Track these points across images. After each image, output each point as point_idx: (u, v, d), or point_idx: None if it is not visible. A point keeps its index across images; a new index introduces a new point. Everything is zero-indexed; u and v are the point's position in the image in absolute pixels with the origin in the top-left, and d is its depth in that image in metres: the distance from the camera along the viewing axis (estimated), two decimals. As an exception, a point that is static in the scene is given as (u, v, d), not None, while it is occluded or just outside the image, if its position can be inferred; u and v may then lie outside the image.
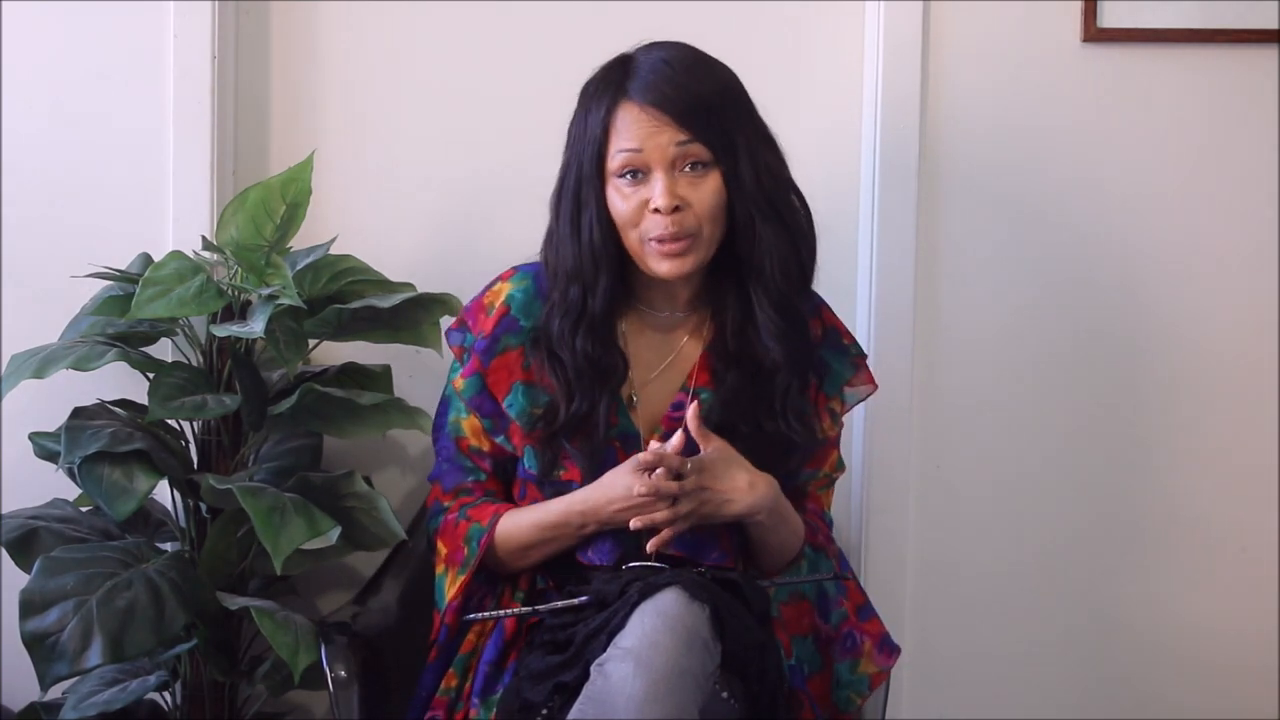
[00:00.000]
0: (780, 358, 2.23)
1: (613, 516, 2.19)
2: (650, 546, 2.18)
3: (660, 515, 2.16)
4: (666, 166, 2.18)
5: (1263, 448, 2.79)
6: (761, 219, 2.21)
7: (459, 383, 2.30)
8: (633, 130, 2.18)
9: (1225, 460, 2.79)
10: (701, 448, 2.18)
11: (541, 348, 2.25)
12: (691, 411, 2.18)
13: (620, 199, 2.20)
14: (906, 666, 2.73)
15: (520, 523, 2.25)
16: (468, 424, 2.31)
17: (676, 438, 2.18)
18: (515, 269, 2.33)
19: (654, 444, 2.19)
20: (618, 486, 2.18)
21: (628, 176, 2.19)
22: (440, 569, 2.29)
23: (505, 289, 2.30)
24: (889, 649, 2.30)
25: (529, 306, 2.28)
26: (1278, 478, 2.79)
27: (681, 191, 2.18)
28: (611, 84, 2.21)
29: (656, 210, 2.17)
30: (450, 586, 2.26)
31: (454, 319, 2.36)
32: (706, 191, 2.19)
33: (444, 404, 2.35)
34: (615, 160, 2.19)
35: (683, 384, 2.28)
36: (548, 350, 2.24)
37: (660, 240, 2.18)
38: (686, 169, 2.19)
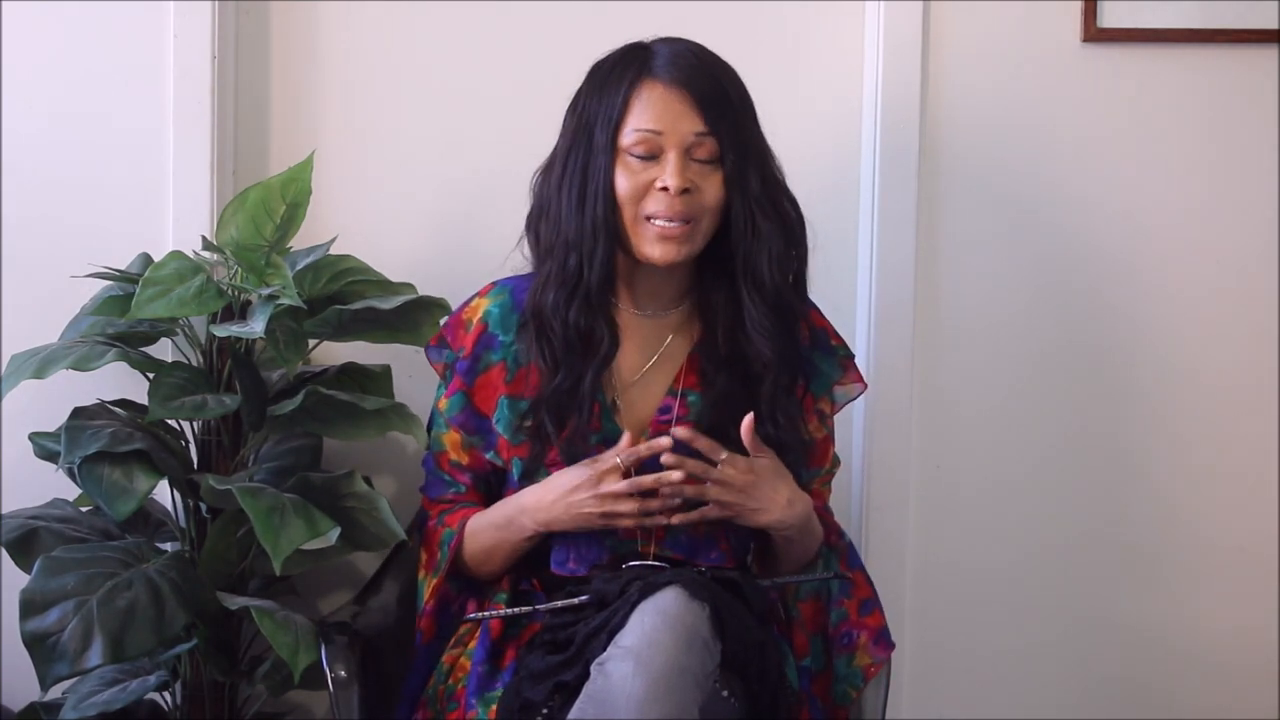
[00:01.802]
0: (771, 357, 2.23)
1: (551, 510, 2.19)
2: (679, 520, 2.18)
3: (702, 513, 2.18)
4: (681, 150, 2.18)
5: (1263, 448, 2.79)
6: (762, 216, 2.21)
7: (442, 402, 2.31)
8: (656, 109, 2.18)
9: (1226, 460, 2.79)
10: (753, 455, 2.19)
11: (530, 329, 2.24)
12: (746, 425, 2.17)
13: (627, 175, 2.20)
14: (906, 666, 2.73)
15: (481, 524, 2.26)
16: (448, 439, 2.32)
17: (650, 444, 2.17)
18: (493, 284, 2.33)
19: (623, 440, 2.18)
20: (562, 479, 2.18)
21: (639, 154, 2.19)
22: (420, 575, 2.31)
23: (482, 305, 2.31)
24: (885, 642, 2.29)
25: (506, 320, 2.28)
26: (1277, 478, 2.79)
27: (691, 177, 2.19)
28: (633, 63, 2.21)
29: (664, 189, 2.18)
30: (426, 590, 2.28)
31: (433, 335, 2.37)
32: (714, 185, 2.20)
33: (431, 419, 2.36)
34: (630, 137, 2.19)
35: (670, 386, 2.28)
36: (537, 330, 2.24)
37: (661, 218, 2.18)
38: (699, 160, 2.19)
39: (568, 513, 2.19)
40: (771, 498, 2.20)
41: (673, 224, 2.19)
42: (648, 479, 2.15)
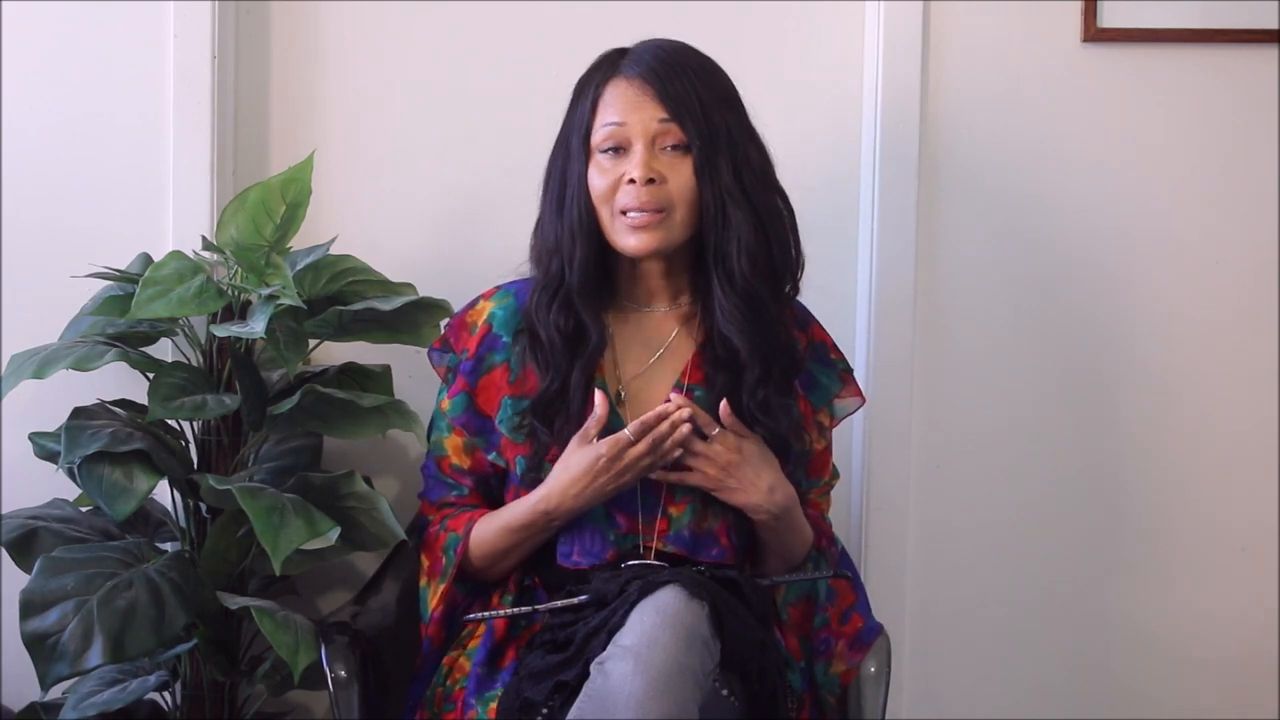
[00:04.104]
0: (744, 349, 2.23)
1: (577, 500, 2.20)
2: (658, 476, 2.20)
3: (681, 476, 2.20)
4: (647, 141, 2.20)
5: (1263, 448, 2.79)
6: (733, 205, 2.22)
7: (445, 404, 2.32)
8: (618, 104, 2.22)
9: (1226, 460, 2.79)
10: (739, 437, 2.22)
11: (526, 336, 2.26)
12: (724, 408, 2.20)
13: (599, 174, 2.22)
14: (906, 666, 2.73)
15: (491, 527, 2.26)
16: (449, 443, 2.32)
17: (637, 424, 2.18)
18: (497, 287, 2.34)
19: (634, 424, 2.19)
20: (574, 467, 2.19)
21: (610, 152, 2.22)
22: (423, 581, 2.31)
23: (487, 308, 2.32)
24: (861, 644, 2.29)
25: (510, 323, 2.29)
26: (1278, 477, 2.79)
27: (659, 167, 2.20)
28: (603, 66, 2.26)
29: (632, 181, 2.19)
30: (432, 597, 2.28)
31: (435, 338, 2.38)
32: (684, 173, 2.21)
33: (432, 422, 2.37)
34: (599, 135, 2.22)
35: (676, 380, 2.29)
36: (530, 336, 2.25)
37: (631, 210, 2.20)
38: (667, 148, 2.21)
39: (597, 497, 2.20)
40: (753, 481, 2.22)
41: (644, 214, 2.20)
42: (661, 425, 2.16)
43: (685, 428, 2.17)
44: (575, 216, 2.23)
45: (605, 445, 2.17)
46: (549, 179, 2.28)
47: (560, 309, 2.24)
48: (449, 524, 2.31)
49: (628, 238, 2.22)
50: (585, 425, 2.19)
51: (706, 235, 2.23)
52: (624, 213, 2.21)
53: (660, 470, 2.21)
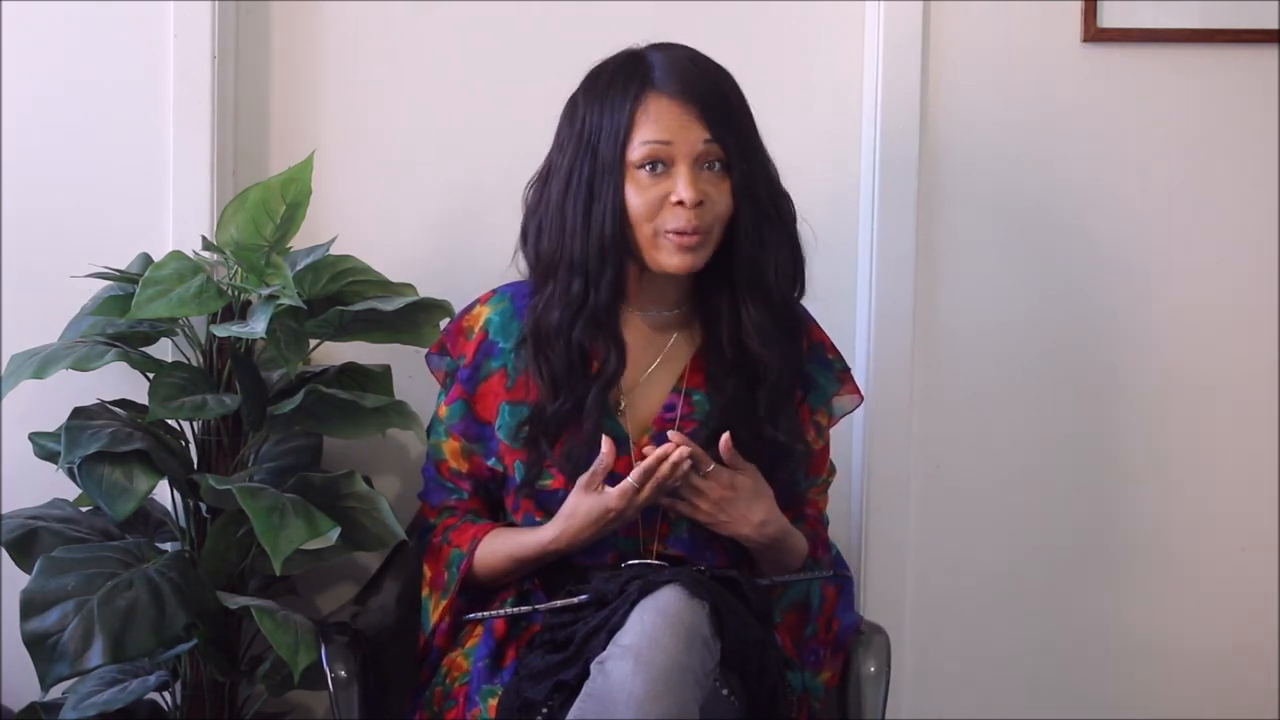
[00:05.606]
0: (772, 361, 2.23)
1: (585, 543, 2.21)
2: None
3: (673, 503, 2.21)
4: (691, 161, 2.18)
5: (1263, 448, 2.79)
6: (768, 225, 2.21)
7: (442, 410, 2.31)
8: (664, 121, 2.17)
9: (1225, 461, 2.79)
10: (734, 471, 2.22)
11: (529, 346, 2.24)
12: (724, 442, 2.19)
13: (638, 191, 2.18)
14: (907, 666, 2.73)
15: (496, 551, 2.26)
16: (447, 447, 2.32)
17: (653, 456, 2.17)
18: (493, 291, 2.33)
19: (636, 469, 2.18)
20: (582, 516, 2.19)
21: (648, 169, 2.18)
22: (425, 592, 2.31)
23: (483, 313, 2.31)
24: (839, 645, 2.30)
25: (506, 328, 2.28)
26: (1277, 480, 2.79)
27: (704, 187, 2.18)
28: (634, 76, 2.20)
29: (679, 203, 2.17)
30: (434, 610, 2.28)
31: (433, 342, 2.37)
32: (723, 193, 2.20)
33: (430, 426, 2.37)
34: (639, 151, 2.17)
35: (675, 385, 2.28)
36: (536, 348, 2.23)
37: (679, 233, 2.17)
38: (705, 168, 2.19)
39: (604, 534, 2.21)
40: (744, 516, 2.22)
41: (693, 237, 2.18)
42: (662, 468, 2.15)
43: (685, 465, 2.16)
44: (608, 234, 2.18)
45: (614, 499, 2.16)
46: (569, 183, 2.21)
47: (586, 329, 2.20)
48: (452, 537, 2.30)
49: (671, 258, 2.19)
50: (592, 471, 2.17)
51: (740, 255, 2.21)
52: (667, 233, 2.18)
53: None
